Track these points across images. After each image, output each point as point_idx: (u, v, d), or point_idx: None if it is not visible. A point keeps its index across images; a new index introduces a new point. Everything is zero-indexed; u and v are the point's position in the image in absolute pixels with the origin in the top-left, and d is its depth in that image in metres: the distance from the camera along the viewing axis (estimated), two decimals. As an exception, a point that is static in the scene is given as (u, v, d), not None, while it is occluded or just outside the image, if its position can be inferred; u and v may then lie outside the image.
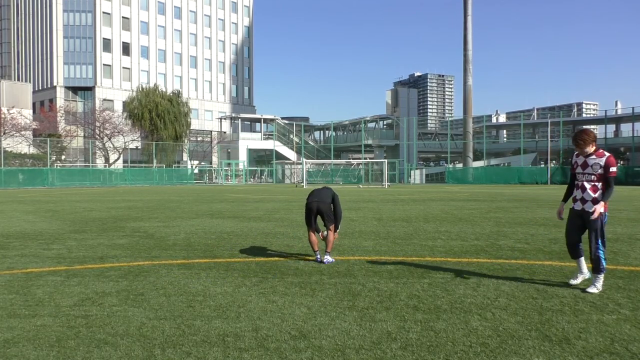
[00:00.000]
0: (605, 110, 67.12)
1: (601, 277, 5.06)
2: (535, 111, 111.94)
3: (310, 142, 74.47)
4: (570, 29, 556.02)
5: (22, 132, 52.02)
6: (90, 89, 71.81)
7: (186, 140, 65.69)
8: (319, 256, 6.73)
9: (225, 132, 76.67)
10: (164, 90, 64.63)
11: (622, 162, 70.37)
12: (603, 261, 5.01)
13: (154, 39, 78.08)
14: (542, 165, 55.20)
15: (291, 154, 67.38)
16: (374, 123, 73.43)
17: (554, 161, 63.18)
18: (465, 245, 8.09)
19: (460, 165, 63.52)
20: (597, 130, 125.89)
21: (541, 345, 3.55)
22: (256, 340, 3.68)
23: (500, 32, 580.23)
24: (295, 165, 60.91)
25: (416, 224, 11.34)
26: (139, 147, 62.76)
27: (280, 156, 65.81)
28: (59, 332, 3.88)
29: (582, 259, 5.30)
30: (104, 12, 72.41)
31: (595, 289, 5.01)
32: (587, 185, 5.04)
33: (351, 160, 61.21)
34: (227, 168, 62.25)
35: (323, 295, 4.94)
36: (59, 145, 53.53)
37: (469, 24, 56.38)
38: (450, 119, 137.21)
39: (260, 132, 73.05)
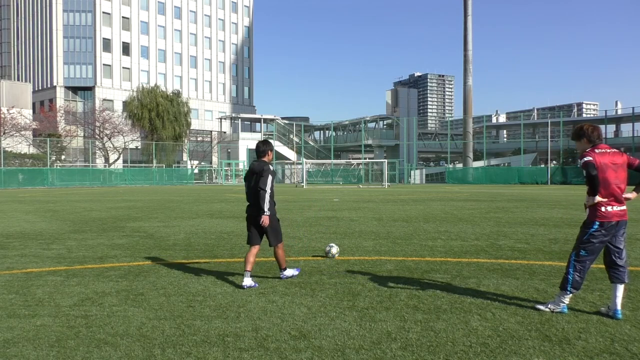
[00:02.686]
0: (605, 110, 67.16)
1: (565, 297, 4.28)
2: (535, 111, 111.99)
3: (310, 142, 74.43)
4: (570, 29, 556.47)
5: (22, 132, 52.02)
6: (90, 89, 71.78)
7: (186, 140, 65.68)
8: (245, 281, 5.27)
9: (225, 132, 76.64)
10: (164, 90, 64.63)
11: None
12: (569, 277, 4.23)
13: (154, 39, 78.06)
14: (542, 166, 55.17)
15: (291, 154, 67.36)
16: (374, 123, 73.41)
17: (554, 161, 63.14)
18: (465, 245, 8.09)
19: (460, 166, 63.50)
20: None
21: (541, 345, 3.55)
22: (256, 340, 3.68)
23: (500, 31, 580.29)
24: (295, 165, 60.90)
25: (416, 224, 11.34)
26: (139, 147, 62.74)
27: (280, 156, 65.79)
28: (59, 332, 3.88)
29: (617, 286, 4.21)
30: (104, 12, 72.39)
31: (546, 307, 4.34)
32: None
33: (351, 160, 61.17)
34: (227, 168, 62.25)
35: (323, 295, 4.94)
36: (59, 145, 53.49)
37: (469, 24, 56.35)
38: (450, 119, 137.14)
39: (260, 132, 72.99)
